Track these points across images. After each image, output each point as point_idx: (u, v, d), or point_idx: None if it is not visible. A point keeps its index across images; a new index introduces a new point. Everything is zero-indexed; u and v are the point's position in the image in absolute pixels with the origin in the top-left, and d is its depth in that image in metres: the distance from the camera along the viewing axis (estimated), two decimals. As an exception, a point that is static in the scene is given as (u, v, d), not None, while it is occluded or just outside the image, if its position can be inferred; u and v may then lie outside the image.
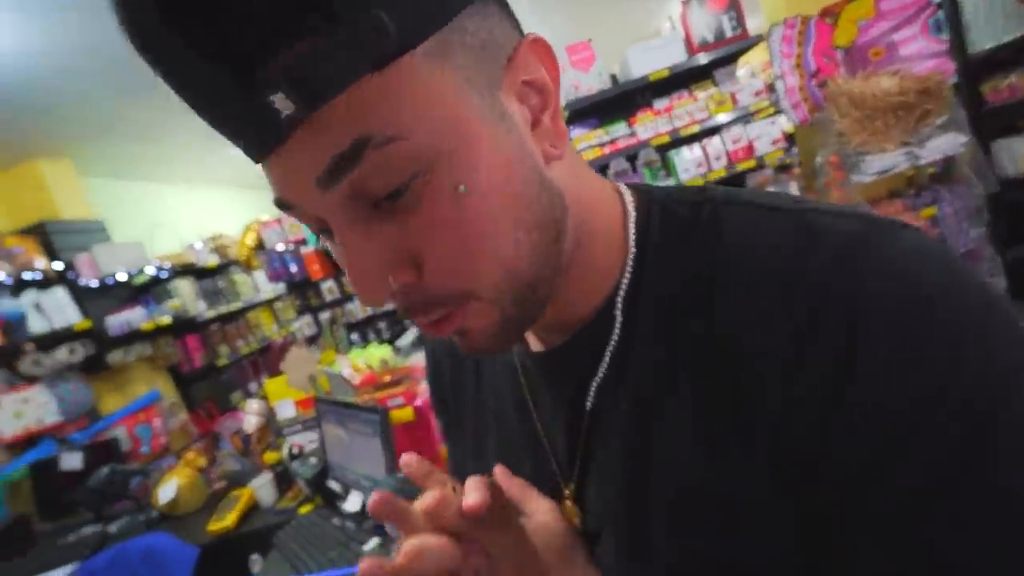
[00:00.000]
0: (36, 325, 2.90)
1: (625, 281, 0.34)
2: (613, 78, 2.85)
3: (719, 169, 2.66)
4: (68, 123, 3.11)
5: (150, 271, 3.50)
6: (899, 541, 0.25)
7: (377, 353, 1.80)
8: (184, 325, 3.64)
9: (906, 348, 0.24)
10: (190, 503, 1.78)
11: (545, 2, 3.75)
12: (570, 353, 0.36)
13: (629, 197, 0.36)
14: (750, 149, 2.66)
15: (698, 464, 0.30)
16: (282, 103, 0.22)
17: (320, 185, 0.24)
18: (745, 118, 2.70)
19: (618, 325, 0.34)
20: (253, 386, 3.96)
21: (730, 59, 2.80)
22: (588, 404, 0.36)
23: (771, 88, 2.76)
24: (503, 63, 0.28)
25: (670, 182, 2.71)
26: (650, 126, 2.67)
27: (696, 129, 2.65)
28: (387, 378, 1.40)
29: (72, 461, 1.98)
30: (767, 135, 2.65)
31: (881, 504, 0.25)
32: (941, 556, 0.24)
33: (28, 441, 2.69)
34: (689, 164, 2.67)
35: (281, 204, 0.28)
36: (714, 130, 2.71)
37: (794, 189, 2.70)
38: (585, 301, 0.35)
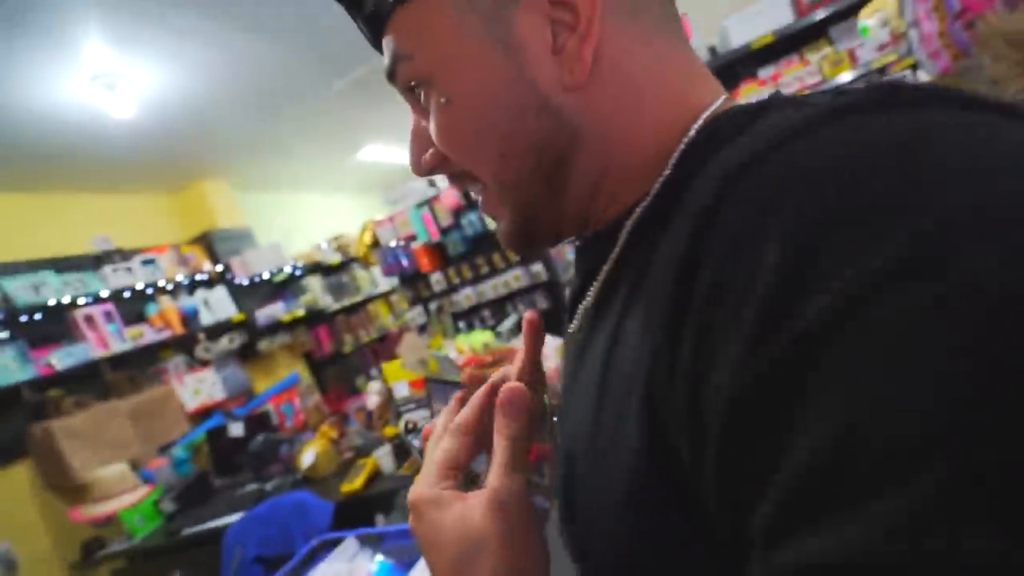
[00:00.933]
0: (205, 318, 3.48)
1: (645, 203, 0.30)
2: (712, 50, 2.70)
3: (838, 136, 2.41)
4: (223, 146, 3.67)
5: (287, 270, 4.01)
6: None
7: (480, 338, 1.92)
8: (315, 317, 4.13)
9: None
10: (326, 468, 2.05)
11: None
12: (579, 259, 0.37)
13: (716, 108, 0.31)
14: (876, 111, 2.38)
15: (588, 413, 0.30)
16: (369, 28, 0.33)
17: (388, 79, 0.34)
18: (869, 76, 2.41)
19: (618, 248, 0.31)
20: (374, 371, 4.38)
21: (848, 12, 2.52)
22: (571, 327, 0.36)
23: (902, 38, 2.44)
24: None
25: (779, 155, 2.52)
26: (754, 98, 2.50)
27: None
28: (488, 358, 1.50)
29: (237, 429, 2.37)
30: (897, 93, 2.35)
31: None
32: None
33: (203, 414, 3.24)
34: (801, 134, 2.46)
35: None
36: (831, 94, 2.46)
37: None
38: (614, 203, 0.33)
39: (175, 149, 3.37)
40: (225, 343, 3.54)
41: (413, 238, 3.38)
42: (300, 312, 3.89)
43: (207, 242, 3.84)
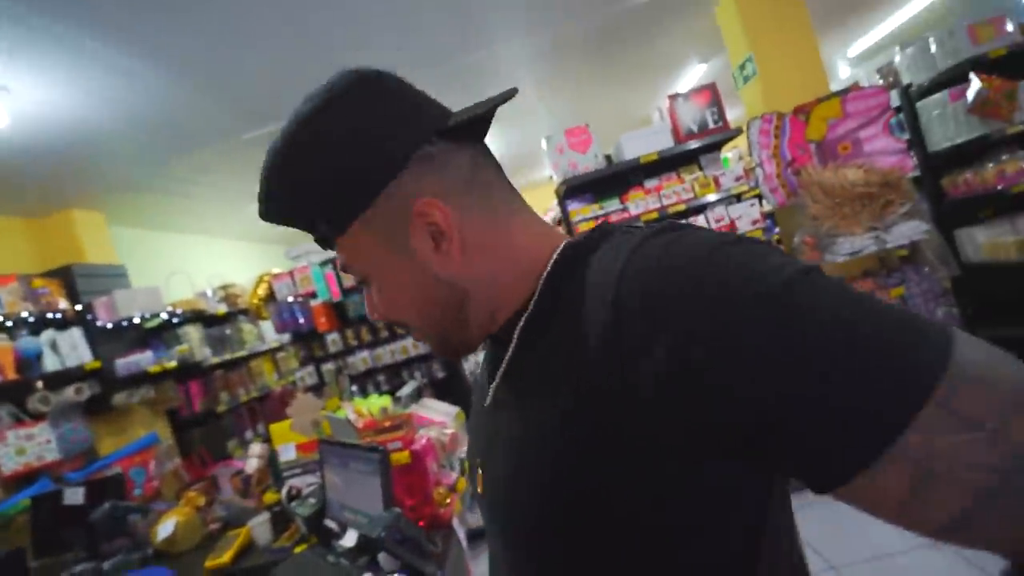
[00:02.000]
0: (49, 363, 3.02)
1: (528, 312, 0.46)
2: (608, 159, 3.14)
3: (704, 244, 2.88)
4: (105, 177, 3.38)
5: (163, 316, 3.65)
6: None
7: (378, 402, 1.92)
8: (189, 370, 3.74)
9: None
10: (187, 541, 1.83)
11: (548, 90, 4.16)
12: (489, 358, 0.53)
13: (560, 250, 0.48)
14: (732, 227, 2.89)
15: (576, 427, 0.41)
16: (321, 245, 0.51)
17: (341, 271, 0.55)
18: (727, 200, 2.96)
19: (513, 343, 0.47)
20: (249, 434, 4.00)
21: (714, 147, 3.10)
22: (486, 401, 0.51)
23: (751, 173, 3.05)
24: (409, 215, 0.45)
25: (659, 254, 2.92)
26: (641, 203, 2.92)
27: (683, 207, 2.90)
28: (387, 423, 1.52)
29: (75, 496, 2.04)
30: (748, 215, 2.89)
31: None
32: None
33: (23, 477, 2.73)
34: (676, 238, 2.90)
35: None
36: (699, 209, 2.96)
37: (773, 265, 2.92)
38: (503, 313, 0.49)
39: (46, 171, 3.05)
40: (70, 394, 3.07)
41: (313, 295, 3.30)
42: (171, 363, 3.52)
43: (67, 277, 3.40)
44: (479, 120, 0.46)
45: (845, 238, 2.73)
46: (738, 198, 2.97)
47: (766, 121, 3.07)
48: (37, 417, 2.92)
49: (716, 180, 2.92)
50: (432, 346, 0.52)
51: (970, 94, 2.75)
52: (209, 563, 1.60)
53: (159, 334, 3.72)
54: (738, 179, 2.92)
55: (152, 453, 2.80)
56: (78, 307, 3.32)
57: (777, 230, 3.36)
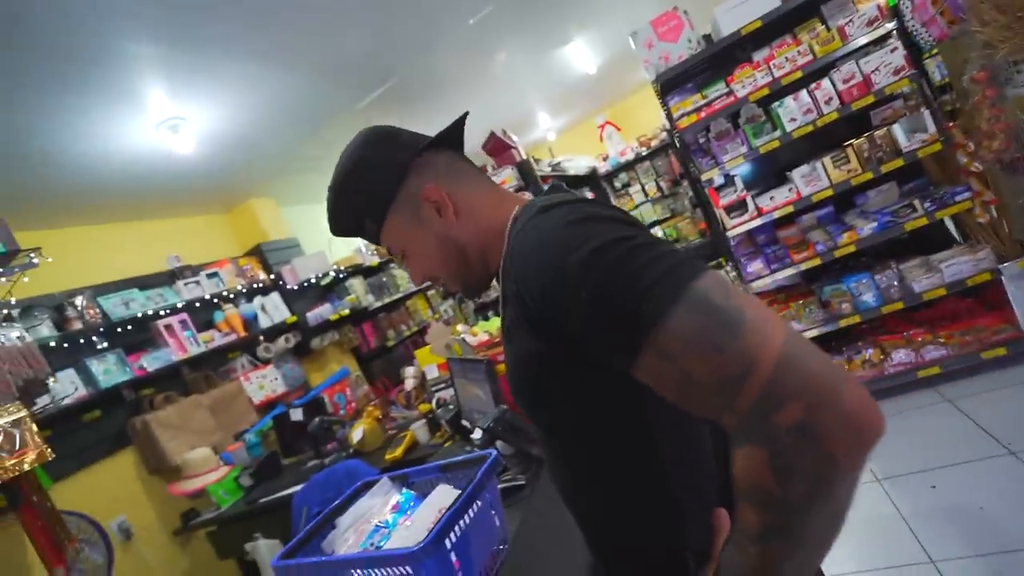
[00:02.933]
0: (263, 321, 3.91)
1: (500, 263, 0.69)
2: (707, 39, 2.83)
3: (831, 113, 2.51)
4: (266, 168, 4.07)
5: (331, 274, 4.40)
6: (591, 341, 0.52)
7: (497, 323, 2.18)
8: (359, 315, 4.51)
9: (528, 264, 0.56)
10: (373, 443, 2.38)
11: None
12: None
13: (516, 212, 0.69)
14: (867, 84, 2.45)
15: (519, 341, 0.62)
16: (372, 241, 0.77)
17: (389, 252, 0.79)
18: (859, 52, 2.49)
19: (499, 285, 0.71)
20: (415, 361, 4.73)
21: (841, -11, 2.59)
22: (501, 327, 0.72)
23: (893, 12, 2.49)
24: (418, 199, 0.71)
25: (776, 135, 2.63)
26: (748, 82, 2.62)
27: (799, 75, 2.53)
28: (497, 339, 1.76)
29: (297, 415, 2.73)
30: (889, 64, 2.42)
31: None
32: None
33: (267, 405, 3.67)
34: (796, 113, 2.57)
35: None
36: (822, 71, 2.55)
37: (928, 119, 2.43)
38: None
39: (226, 175, 3.80)
40: (282, 343, 3.96)
41: (441, 237, 3.68)
42: (345, 311, 4.27)
43: (260, 254, 4.27)
44: (446, 135, 0.74)
45: (1032, 64, 2.16)
46: (875, 46, 2.48)
47: (912, -65, 2.46)
48: (265, 362, 3.85)
49: (842, 31, 2.47)
50: (458, 290, 0.77)
51: None
52: (388, 456, 2.08)
53: (332, 288, 4.51)
54: (872, 22, 2.43)
55: (347, 383, 3.51)
56: (272, 276, 4.18)
57: (938, 74, 2.74)
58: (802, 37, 2.61)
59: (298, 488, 2.20)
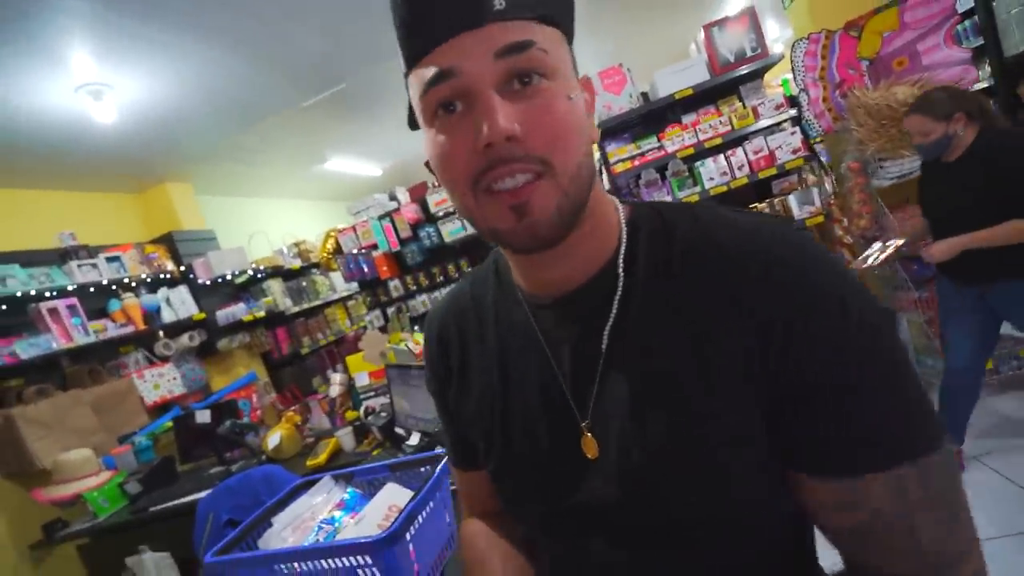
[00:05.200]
0: (167, 316, 3.59)
1: (623, 250, 0.46)
2: (644, 96, 3.15)
3: (741, 178, 2.89)
4: (189, 152, 3.81)
5: (249, 272, 4.16)
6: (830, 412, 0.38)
7: (433, 335, 2.22)
8: (275, 318, 4.28)
9: (815, 303, 0.39)
10: (290, 449, 2.28)
11: (580, 29, 4.09)
12: (583, 298, 0.47)
13: (616, 201, 0.50)
14: (771, 158, 2.86)
15: (698, 394, 0.41)
16: (500, 3, 0.37)
17: (496, 56, 0.37)
18: (767, 130, 2.91)
19: (621, 279, 0.46)
20: (330, 372, 4.55)
21: (755, 75, 3.02)
22: (603, 345, 0.45)
23: (794, 101, 2.96)
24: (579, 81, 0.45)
25: (696, 190, 2.97)
26: (677, 140, 2.95)
27: (719, 141, 2.90)
28: (440, 350, 1.81)
29: (203, 416, 2.54)
30: (788, 144, 2.85)
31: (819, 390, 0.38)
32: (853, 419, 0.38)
33: (161, 407, 3.35)
34: (713, 173, 2.92)
35: (443, 75, 0.38)
36: (737, 141, 2.94)
37: (816, 194, 2.88)
38: (589, 264, 0.47)
39: (145, 152, 3.51)
40: (185, 341, 3.65)
41: (374, 247, 3.63)
42: (260, 313, 4.05)
43: (170, 242, 3.95)
44: None
45: (892, 162, 2.66)
46: (779, 127, 2.92)
47: (812, 42, 2.95)
48: (164, 360, 3.53)
49: (755, 110, 2.88)
50: (554, 204, 0.41)
51: (1049, -11, 2.50)
52: (309, 462, 2.02)
53: (247, 288, 4.25)
54: (779, 108, 2.86)
55: (253, 388, 3.32)
56: (182, 268, 3.87)
57: (826, 157, 3.26)
58: (723, 109, 3.00)
59: (202, 495, 2.05)
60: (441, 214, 3.29)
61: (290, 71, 3.22)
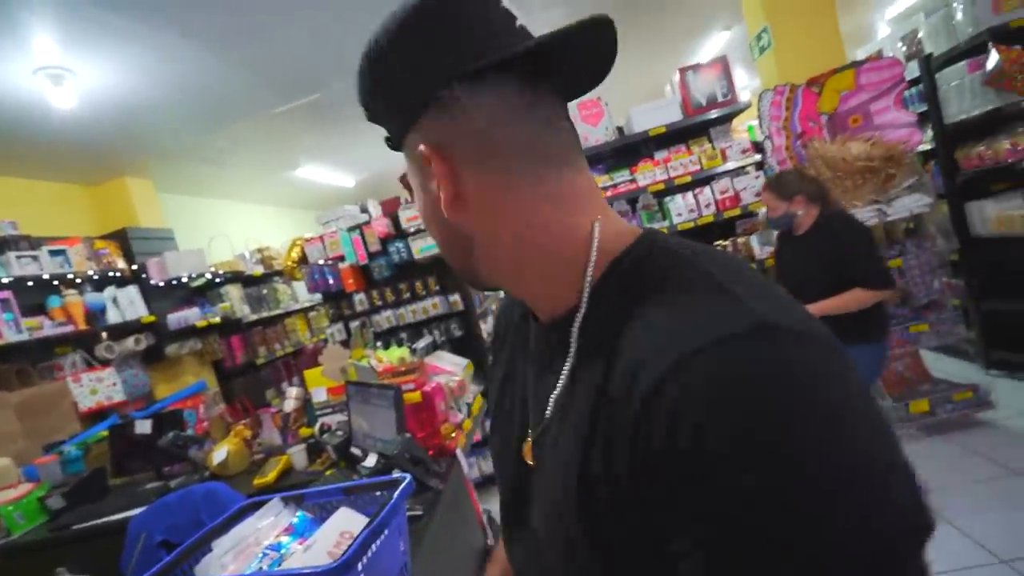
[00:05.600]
0: (112, 316, 3.40)
1: (580, 314, 0.43)
2: (620, 130, 3.25)
3: (708, 215, 2.99)
4: (152, 147, 3.67)
5: (207, 276, 3.99)
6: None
7: (397, 353, 2.18)
8: (231, 326, 4.11)
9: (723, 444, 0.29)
10: (237, 465, 2.16)
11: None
12: (543, 340, 0.49)
13: (599, 243, 0.44)
14: (736, 199, 2.99)
15: (572, 473, 0.39)
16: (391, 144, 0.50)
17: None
18: (733, 172, 3.04)
19: (572, 349, 0.44)
20: (285, 385, 4.39)
21: (724, 119, 3.17)
22: (558, 382, 0.45)
23: (759, 147, 3.11)
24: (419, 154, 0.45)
25: (665, 224, 3.06)
26: (648, 174, 3.04)
27: (688, 179, 3.01)
28: (403, 369, 1.77)
29: (144, 427, 2.39)
30: (752, 187, 2.98)
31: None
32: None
33: (97, 415, 3.14)
34: (682, 209, 3.02)
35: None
36: (705, 180, 3.06)
37: (774, 236, 3.01)
38: (552, 303, 0.46)
39: (104, 143, 3.36)
40: (130, 344, 3.45)
41: (341, 259, 3.56)
42: (216, 319, 3.88)
43: (123, 239, 3.76)
44: (511, 62, 0.41)
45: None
46: (744, 170, 3.06)
47: (778, 93, 3.11)
48: (104, 363, 3.32)
49: (723, 152, 3.01)
50: (456, 269, 0.52)
51: (988, 65, 2.73)
52: (256, 481, 1.91)
53: (204, 292, 4.08)
54: (745, 151, 3.00)
55: (201, 399, 3.16)
56: (134, 267, 3.68)
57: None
58: (694, 149, 3.13)
59: (135, 512, 1.91)
60: (412, 230, 3.27)
61: (267, 75, 3.17)
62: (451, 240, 0.48)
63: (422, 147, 0.44)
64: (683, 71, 3.01)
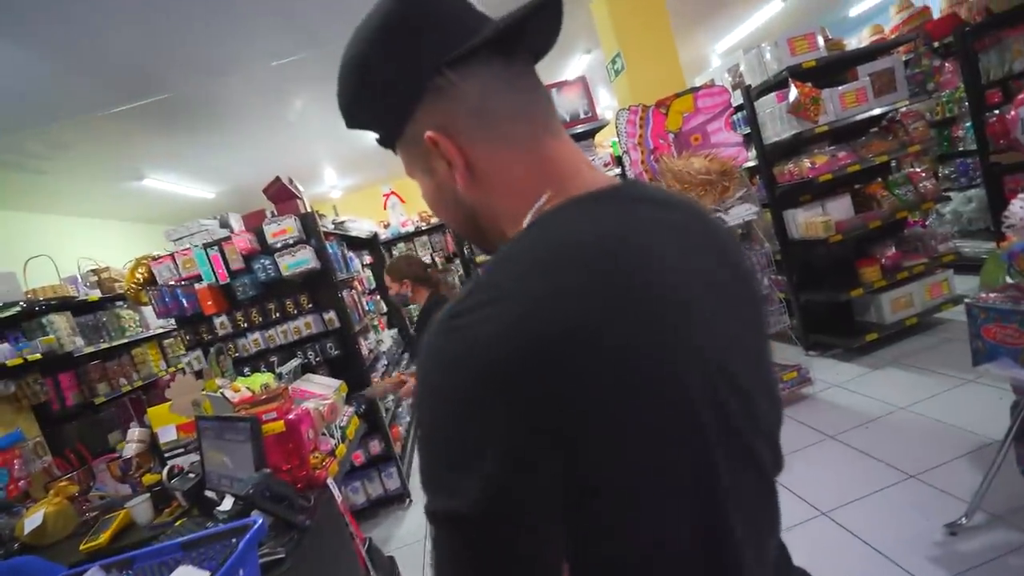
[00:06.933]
0: None
1: None
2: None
3: (577, 225, 3.19)
4: (-62, 151, 3.02)
5: (20, 305, 3.36)
6: None
7: (261, 379, 2.01)
8: (57, 361, 3.50)
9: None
10: (59, 531, 1.84)
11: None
12: None
13: (535, 211, 0.49)
14: (602, 209, 3.22)
15: None
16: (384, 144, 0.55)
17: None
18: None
19: None
20: (134, 425, 3.82)
21: (588, 135, 3.40)
22: None
23: (619, 160, 3.39)
24: (424, 142, 0.50)
25: (539, 234, 3.19)
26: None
27: (558, 191, 3.18)
28: (263, 397, 1.64)
29: (-75, 498, 1.93)
30: (615, 198, 3.24)
31: None
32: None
33: None
34: (554, 219, 3.18)
35: None
36: (574, 192, 3.25)
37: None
38: None
39: None
40: (-91, 394, 2.78)
41: (198, 278, 3.20)
42: (35, 355, 3.27)
43: None
44: (505, 33, 0.47)
45: (693, 219, 3.17)
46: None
47: (632, 112, 3.42)
48: None
49: (588, 166, 3.23)
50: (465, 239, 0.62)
51: (789, 97, 3.26)
52: (84, 546, 1.64)
53: (17, 324, 3.42)
54: (607, 165, 3.25)
55: (16, 452, 2.65)
56: (-88, 298, 2.98)
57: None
58: (562, 163, 3.31)
59: (-90, 607, 1.54)
60: (279, 245, 3.05)
61: (97, 73, 2.76)
62: (460, 217, 0.53)
63: (429, 132, 0.48)
64: (548, 88, 3.17)
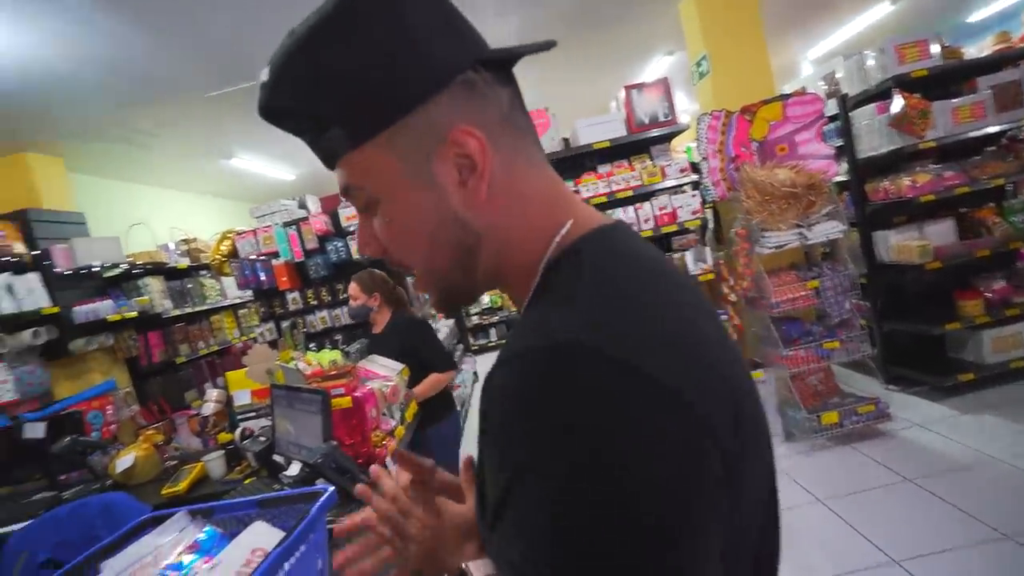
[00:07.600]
0: (6, 305, 3.06)
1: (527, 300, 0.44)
2: (565, 141, 3.31)
3: (647, 230, 3.10)
4: (64, 122, 3.35)
5: (123, 266, 3.68)
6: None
7: (329, 356, 2.10)
8: (148, 321, 3.81)
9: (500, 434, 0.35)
10: (145, 473, 2.00)
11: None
12: None
13: (560, 239, 0.43)
14: (674, 216, 3.12)
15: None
16: (323, 160, 0.44)
17: (342, 195, 0.49)
18: (671, 190, 3.18)
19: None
20: (208, 386, 4.12)
21: (664, 139, 3.30)
22: None
23: (695, 167, 3.27)
24: (441, 141, 0.40)
25: (606, 236, 3.14)
26: (592, 187, 3.12)
27: (630, 194, 3.11)
28: (333, 372, 1.70)
29: (35, 431, 2.15)
30: (688, 205, 3.12)
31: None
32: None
33: (-19, 416, 2.80)
34: (622, 223, 3.12)
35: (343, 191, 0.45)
36: (645, 196, 3.17)
37: (708, 253, 3.17)
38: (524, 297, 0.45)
39: (3, 111, 3.03)
40: (26, 337, 3.12)
41: (275, 255, 3.39)
42: (132, 313, 3.58)
43: (23, 221, 3.40)
44: (516, 58, 0.43)
45: (772, 232, 2.99)
46: (681, 188, 3.20)
47: (715, 118, 3.28)
48: (-6, 358, 2.98)
49: (663, 170, 3.13)
50: (432, 294, 0.48)
51: (893, 109, 3.01)
52: (165, 491, 1.77)
53: (119, 284, 3.76)
54: (683, 171, 3.14)
55: (110, 399, 2.90)
56: (35, 252, 3.34)
57: (711, 225, 3.61)
58: (636, 165, 3.23)
59: (18, 527, 1.72)
60: (352, 229, 3.17)
61: (200, 57, 2.98)
62: (451, 244, 0.43)
63: (463, 126, 0.40)
64: (629, 88, 3.11)
